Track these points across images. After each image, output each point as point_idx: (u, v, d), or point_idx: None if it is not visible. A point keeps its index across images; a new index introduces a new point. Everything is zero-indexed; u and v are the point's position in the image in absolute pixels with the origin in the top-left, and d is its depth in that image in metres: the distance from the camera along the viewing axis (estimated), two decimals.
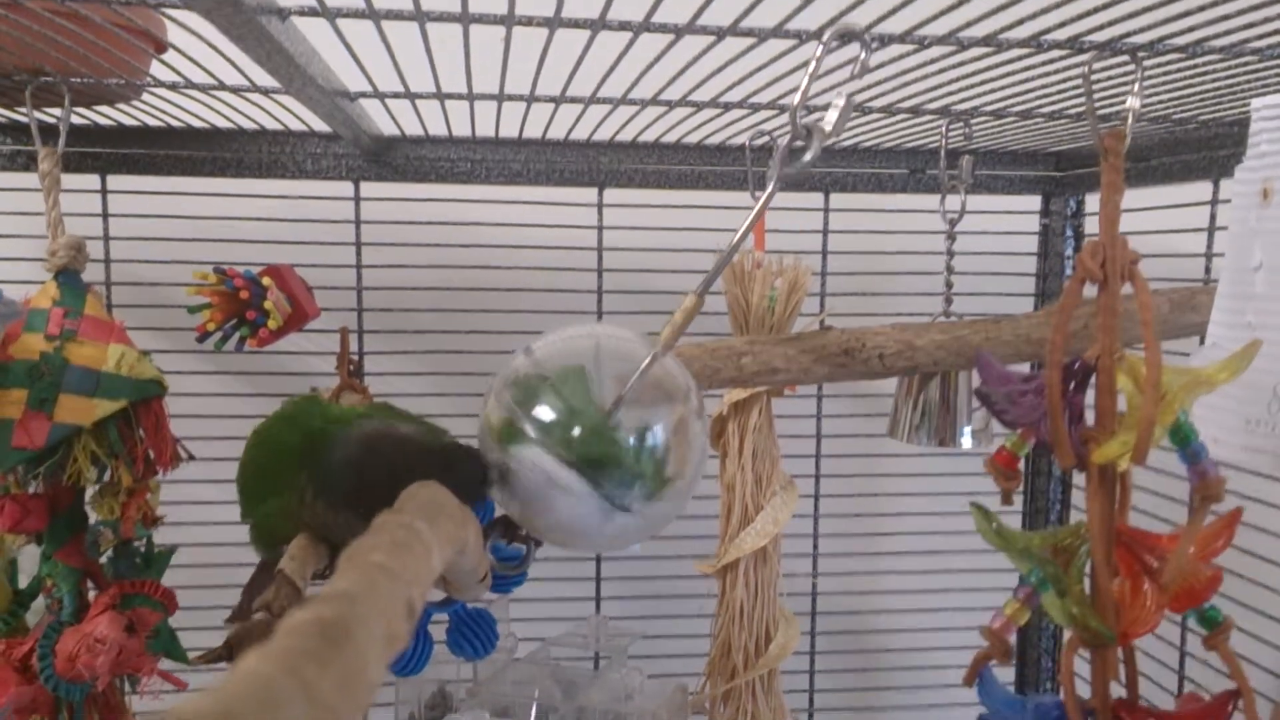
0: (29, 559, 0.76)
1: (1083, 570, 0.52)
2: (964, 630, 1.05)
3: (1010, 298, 1.04)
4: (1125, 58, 0.57)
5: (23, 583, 0.76)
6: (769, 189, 0.51)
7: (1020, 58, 0.60)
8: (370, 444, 0.53)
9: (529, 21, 0.53)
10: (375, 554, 0.32)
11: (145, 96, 0.77)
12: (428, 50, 0.60)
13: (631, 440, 0.51)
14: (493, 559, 0.59)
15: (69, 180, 0.77)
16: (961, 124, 0.79)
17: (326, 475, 0.53)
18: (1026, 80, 0.66)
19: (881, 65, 0.63)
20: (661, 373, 0.53)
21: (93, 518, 0.74)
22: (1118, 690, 0.53)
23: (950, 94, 0.71)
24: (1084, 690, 0.53)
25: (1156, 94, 0.69)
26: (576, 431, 0.50)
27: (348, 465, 0.52)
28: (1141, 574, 0.50)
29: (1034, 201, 1.06)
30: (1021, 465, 0.56)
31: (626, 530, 0.53)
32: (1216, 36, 0.55)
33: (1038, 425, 0.52)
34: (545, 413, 0.51)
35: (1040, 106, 0.74)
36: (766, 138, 0.85)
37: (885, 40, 0.55)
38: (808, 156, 0.49)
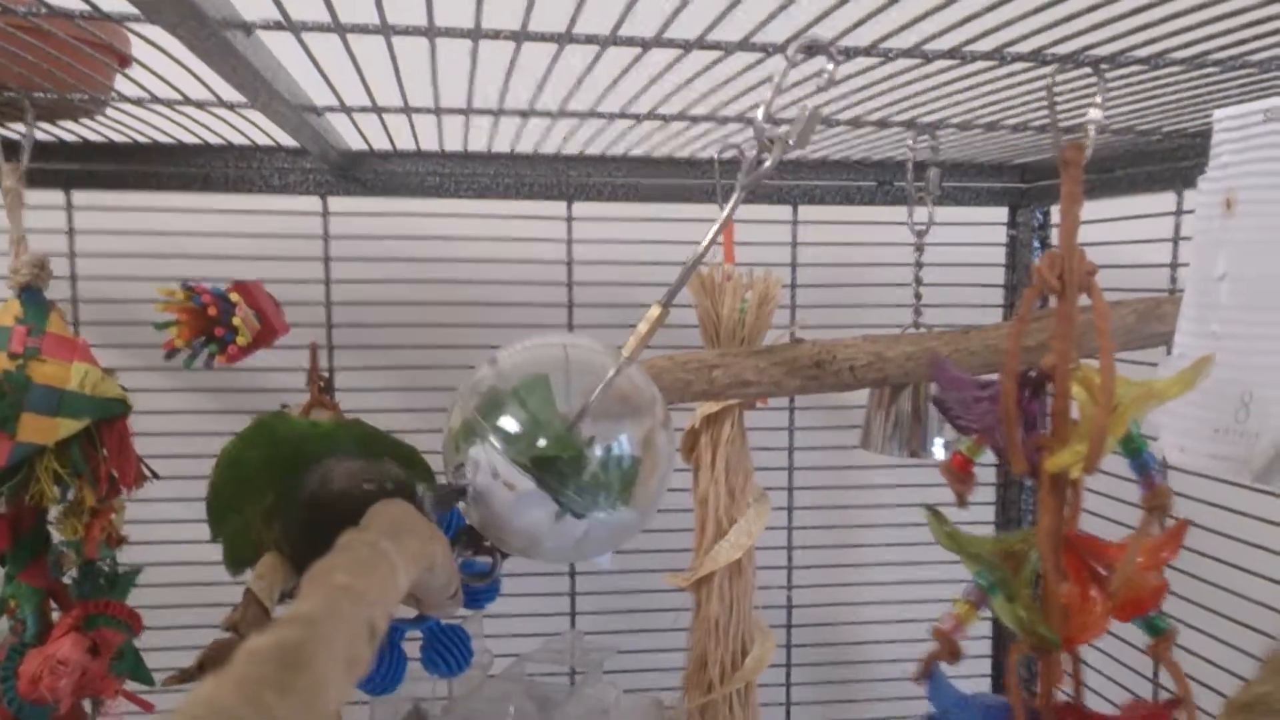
0: None
1: (1032, 576, 0.53)
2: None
3: (979, 308, 1.04)
4: (1088, 70, 0.58)
5: None
6: (733, 199, 0.51)
7: (985, 70, 0.60)
8: (322, 497, 0.53)
9: (495, 35, 0.53)
10: (338, 575, 0.31)
11: (110, 111, 0.76)
12: (394, 64, 0.60)
13: (596, 451, 0.51)
14: (463, 573, 0.59)
15: (33, 197, 0.76)
16: (928, 136, 0.79)
17: (290, 512, 0.53)
18: (992, 93, 0.67)
19: (848, 78, 0.63)
20: (627, 384, 0.53)
21: (56, 538, 0.73)
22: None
23: (917, 106, 0.71)
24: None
25: (1120, 106, 0.70)
26: (541, 442, 0.50)
27: (303, 512, 0.52)
28: (1089, 581, 0.51)
29: (1001, 213, 1.06)
30: (981, 472, 0.57)
31: (591, 541, 0.53)
32: (1178, 49, 0.55)
33: (992, 431, 0.53)
34: (509, 423, 0.51)
35: (1005, 118, 0.75)
36: (735, 150, 0.85)
37: (851, 53, 0.55)
38: (766, 165, 0.50)
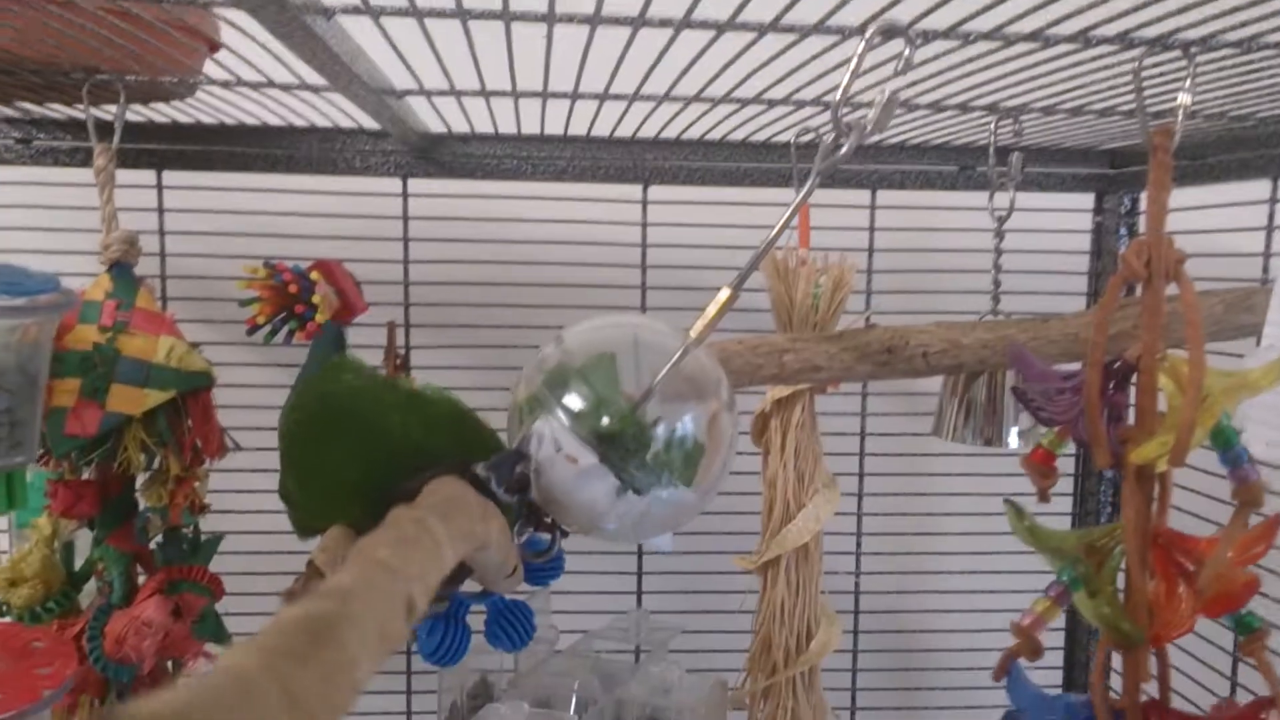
0: (85, 543, 0.78)
1: (1116, 571, 0.52)
2: (1008, 631, 1.03)
3: (1062, 297, 1.02)
4: (1177, 53, 0.56)
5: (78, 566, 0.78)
6: (808, 184, 0.51)
7: (1069, 53, 0.59)
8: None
9: (570, 19, 0.53)
10: (380, 549, 0.32)
11: (199, 94, 0.79)
12: (471, 48, 0.60)
13: (660, 431, 0.51)
14: (525, 551, 0.59)
15: (126, 176, 0.78)
16: (1010, 121, 0.78)
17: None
18: (1077, 76, 0.65)
19: (927, 61, 0.62)
20: (693, 365, 0.53)
21: (142, 504, 0.76)
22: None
23: (999, 90, 0.70)
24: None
25: (1211, 90, 0.68)
26: (605, 420, 0.50)
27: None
28: (1177, 577, 0.50)
29: (1087, 199, 1.04)
30: (1059, 464, 0.56)
31: (651, 520, 0.53)
32: (1272, 31, 0.54)
33: (1075, 423, 0.52)
34: (574, 401, 0.51)
35: (1091, 103, 0.73)
36: (812, 134, 0.84)
37: (929, 36, 0.54)
38: (843, 151, 0.49)
